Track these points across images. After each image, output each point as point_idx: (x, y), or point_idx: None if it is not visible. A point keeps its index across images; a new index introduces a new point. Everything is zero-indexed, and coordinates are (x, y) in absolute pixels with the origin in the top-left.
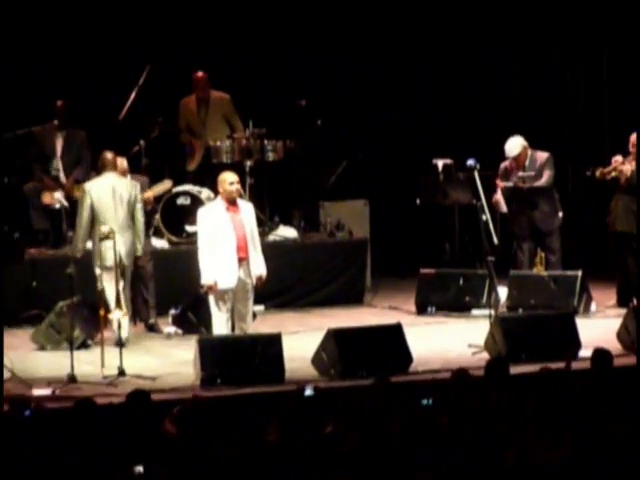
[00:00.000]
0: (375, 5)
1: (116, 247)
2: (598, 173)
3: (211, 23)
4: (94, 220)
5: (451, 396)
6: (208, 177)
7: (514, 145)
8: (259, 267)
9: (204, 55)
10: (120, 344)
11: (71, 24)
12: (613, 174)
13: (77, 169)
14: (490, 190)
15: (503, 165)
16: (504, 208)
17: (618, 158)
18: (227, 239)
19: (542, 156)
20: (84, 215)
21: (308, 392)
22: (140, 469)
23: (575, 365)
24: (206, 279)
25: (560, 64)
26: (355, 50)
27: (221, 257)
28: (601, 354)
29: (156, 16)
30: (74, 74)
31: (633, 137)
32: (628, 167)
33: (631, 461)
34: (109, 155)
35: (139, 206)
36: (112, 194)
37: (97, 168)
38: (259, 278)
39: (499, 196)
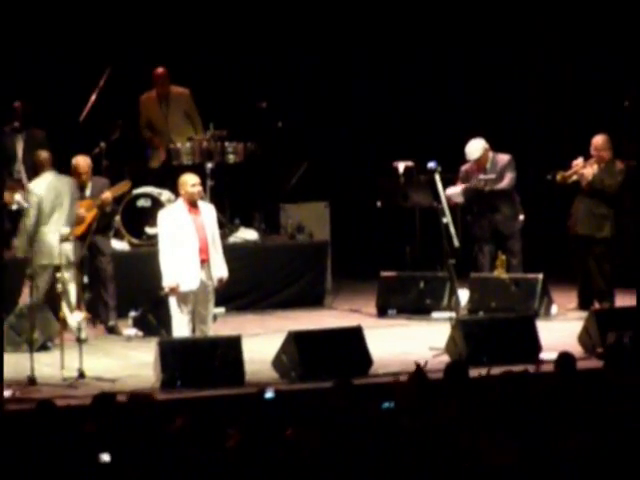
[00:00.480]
0: (336, 8)
1: (65, 247)
2: (559, 177)
3: (172, 25)
4: (37, 220)
5: (409, 398)
6: (169, 179)
7: (475, 148)
8: (220, 269)
9: (165, 57)
10: (80, 345)
11: (31, 25)
12: (574, 178)
13: None
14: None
15: (464, 168)
16: (458, 198)
17: (579, 161)
18: (188, 241)
19: (503, 159)
20: (32, 215)
21: (269, 395)
22: (106, 458)
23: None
24: (168, 281)
25: (522, 66)
26: (316, 52)
27: (182, 259)
28: (566, 358)
29: (117, 17)
30: (35, 75)
31: (595, 140)
32: (589, 170)
33: (590, 464)
34: (44, 154)
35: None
36: (54, 193)
37: (35, 169)
38: (220, 280)
39: (450, 190)
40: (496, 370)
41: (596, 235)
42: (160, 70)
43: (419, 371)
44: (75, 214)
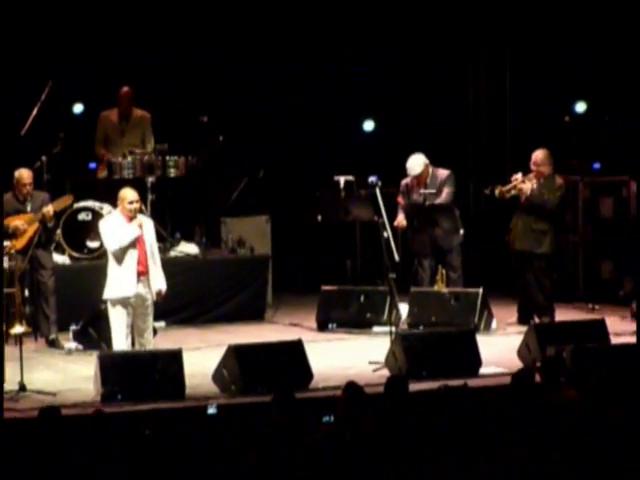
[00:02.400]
0: (277, 23)
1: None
2: (497, 191)
3: (113, 39)
4: None
5: (344, 411)
6: (111, 192)
7: (416, 163)
8: (159, 282)
9: (107, 70)
10: (21, 358)
11: None
12: (513, 192)
13: None
14: (392, 207)
15: (404, 182)
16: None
17: (518, 176)
18: (127, 253)
19: (443, 173)
20: None
21: (211, 410)
22: None
23: (475, 382)
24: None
25: (462, 81)
26: (256, 66)
27: (122, 269)
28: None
29: (59, 31)
30: None
31: (535, 155)
32: (528, 185)
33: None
34: None
35: None
36: None
37: None
38: (159, 293)
39: (401, 217)
40: (435, 384)
41: (535, 251)
42: (125, 89)
43: (352, 385)
44: None
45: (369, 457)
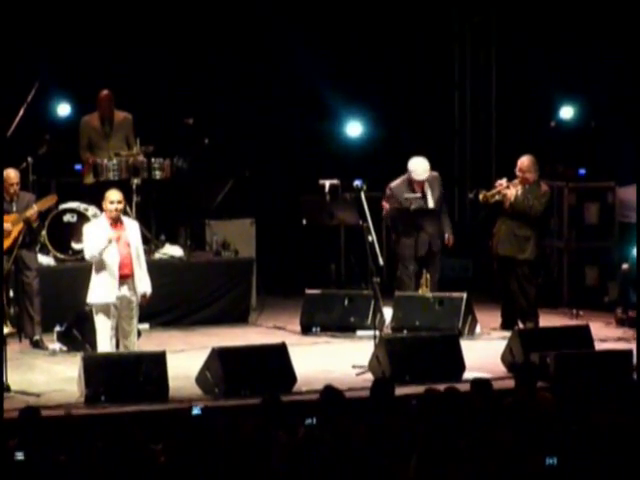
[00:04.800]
0: (265, 23)
1: None
2: (481, 196)
3: (98, 40)
4: None
5: (323, 414)
6: (97, 194)
7: (424, 169)
8: (144, 285)
9: (95, 73)
10: (5, 359)
11: None
12: (497, 197)
13: None
14: (377, 211)
15: (393, 185)
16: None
17: (502, 182)
18: (110, 256)
19: (431, 175)
20: None
21: (196, 411)
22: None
23: (459, 387)
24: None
25: (448, 85)
26: (242, 68)
27: (103, 273)
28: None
29: (44, 33)
30: None
31: (520, 161)
32: (512, 191)
33: None
34: None
35: None
36: None
37: None
38: (144, 296)
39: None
40: (419, 389)
41: (518, 256)
42: (105, 93)
43: (330, 389)
44: None
45: (349, 459)
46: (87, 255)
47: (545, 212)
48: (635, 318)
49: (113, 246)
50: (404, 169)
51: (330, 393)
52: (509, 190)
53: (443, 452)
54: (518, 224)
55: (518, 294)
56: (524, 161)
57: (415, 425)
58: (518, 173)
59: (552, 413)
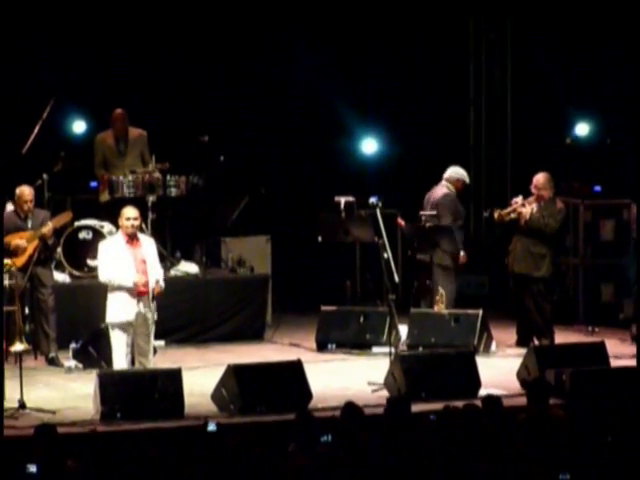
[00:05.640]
0: (279, 41)
1: None
2: (496, 215)
3: (115, 57)
4: None
5: (342, 432)
6: (113, 211)
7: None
8: (157, 274)
9: (110, 90)
10: (21, 376)
11: None
12: (512, 216)
13: None
14: (392, 228)
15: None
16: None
17: (518, 199)
18: (127, 273)
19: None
20: None
21: (211, 427)
22: (33, 469)
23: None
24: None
25: (463, 101)
26: (257, 87)
27: (120, 292)
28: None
29: (61, 49)
30: None
31: (536, 178)
32: (528, 209)
33: None
34: None
35: None
36: None
37: None
38: (157, 282)
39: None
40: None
41: (534, 274)
42: (119, 111)
43: (351, 405)
44: None
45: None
46: (102, 278)
47: (560, 229)
48: None
49: (130, 264)
50: (420, 186)
51: (351, 410)
52: (524, 208)
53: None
54: (534, 241)
55: (533, 311)
56: (540, 178)
57: (433, 441)
58: (533, 190)
59: (564, 429)
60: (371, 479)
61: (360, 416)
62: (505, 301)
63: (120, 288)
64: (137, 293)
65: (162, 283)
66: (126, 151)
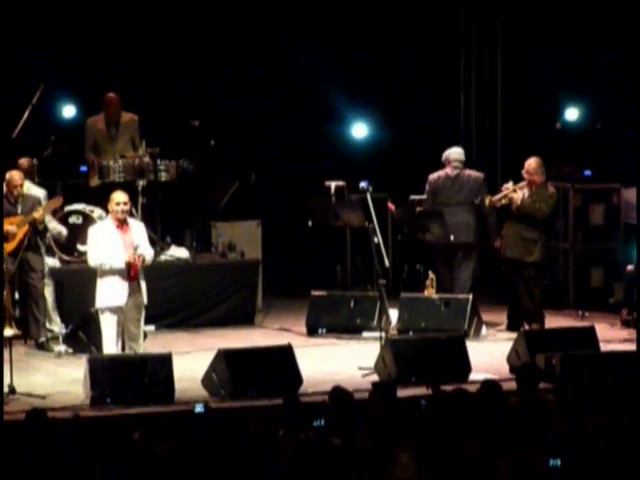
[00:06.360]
0: (271, 25)
1: None
2: (487, 201)
3: (106, 43)
4: None
5: (332, 416)
6: (103, 196)
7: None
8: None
9: (101, 74)
10: (11, 361)
11: None
12: (503, 202)
13: None
14: (382, 213)
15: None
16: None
17: (509, 185)
18: (117, 259)
19: None
20: None
21: (198, 409)
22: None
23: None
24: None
25: (453, 86)
26: (247, 71)
27: (110, 277)
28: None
29: (50, 33)
30: None
31: (527, 163)
32: (519, 194)
33: None
34: None
35: None
36: None
37: None
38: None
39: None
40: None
41: (525, 259)
42: (112, 95)
43: (338, 390)
44: None
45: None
46: (91, 262)
47: (551, 214)
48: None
49: (120, 249)
50: (410, 170)
51: (339, 394)
52: (515, 193)
53: (447, 452)
54: (525, 227)
55: (524, 296)
56: (531, 163)
57: (422, 425)
58: (525, 175)
59: (554, 414)
60: (360, 463)
61: (349, 400)
62: (496, 286)
63: (110, 272)
64: (128, 278)
65: (148, 258)
66: (117, 136)
